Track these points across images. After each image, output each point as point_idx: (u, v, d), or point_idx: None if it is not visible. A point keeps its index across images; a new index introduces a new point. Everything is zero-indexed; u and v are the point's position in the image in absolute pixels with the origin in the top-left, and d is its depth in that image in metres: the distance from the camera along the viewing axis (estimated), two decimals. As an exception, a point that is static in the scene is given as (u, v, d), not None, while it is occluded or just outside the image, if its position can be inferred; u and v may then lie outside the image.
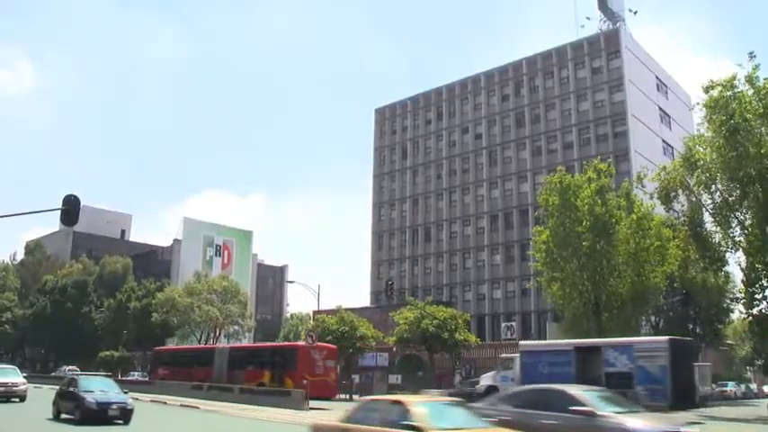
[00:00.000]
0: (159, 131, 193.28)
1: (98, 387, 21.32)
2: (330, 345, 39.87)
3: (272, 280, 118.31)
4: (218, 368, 40.68)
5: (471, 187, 77.60)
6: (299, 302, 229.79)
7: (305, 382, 31.94)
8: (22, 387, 28.67)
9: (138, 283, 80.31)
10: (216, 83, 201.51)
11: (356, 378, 48.19)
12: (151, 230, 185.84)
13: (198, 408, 29.38)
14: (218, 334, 66.26)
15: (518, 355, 31.54)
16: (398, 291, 74.25)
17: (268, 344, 50.92)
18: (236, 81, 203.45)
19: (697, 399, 29.39)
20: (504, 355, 35.74)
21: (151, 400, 33.65)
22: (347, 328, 48.02)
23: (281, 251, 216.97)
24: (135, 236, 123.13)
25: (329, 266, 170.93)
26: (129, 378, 51.42)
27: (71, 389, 21.41)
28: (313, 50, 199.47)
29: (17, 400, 28.30)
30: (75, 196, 21.76)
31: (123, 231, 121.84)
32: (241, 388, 35.41)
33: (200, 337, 65.73)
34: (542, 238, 40.70)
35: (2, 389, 27.99)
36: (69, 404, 21.04)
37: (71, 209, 21.72)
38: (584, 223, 38.83)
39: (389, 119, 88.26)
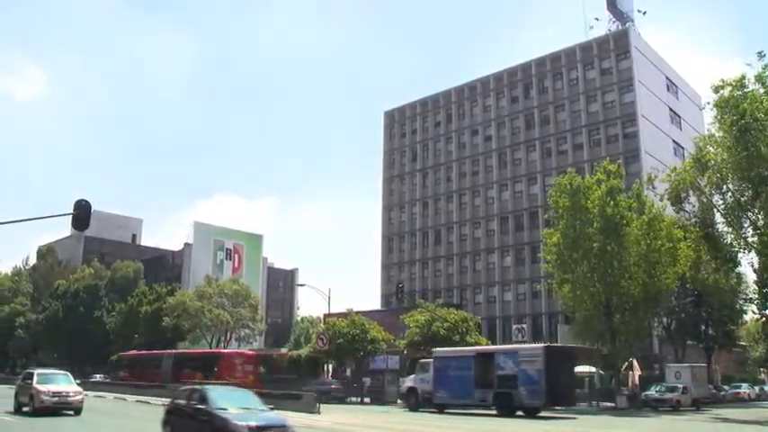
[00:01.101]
0: (169, 136, 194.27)
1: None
2: (249, 352, 50.48)
3: (282, 283, 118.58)
4: (165, 370, 49.23)
5: (481, 189, 77.51)
6: (309, 306, 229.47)
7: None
8: (78, 397, 24.28)
9: (149, 287, 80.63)
10: (225, 87, 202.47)
11: (367, 381, 48.09)
12: (162, 235, 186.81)
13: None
14: (228, 338, 66.44)
15: (432, 360, 35.65)
16: (409, 293, 74.09)
17: (200, 350, 56.38)
18: (245, 84, 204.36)
19: (575, 399, 33.15)
20: (421, 360, 38.31)
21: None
22: (358, 331, 47.92)
23: (291, 255, 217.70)
24: (146, 240, 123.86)
25: (340, 270, 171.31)
26: (92, 380, 55.24)
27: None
28: (321, 53, 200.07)
29: (71, 413, 24.02)
30: (87, 201, 21.79)
31: (134, 236, 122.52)
32: (257, 392, 35.26)
33: (211, 340, 65.89)
34: (553, 240, 40.62)
35: (54, 399, 23.63)
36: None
37: (82, 214, 21.74)
38: (594, 225, 38.75)
39: (399, 122, 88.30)
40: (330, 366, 53.32)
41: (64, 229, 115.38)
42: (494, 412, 31.27)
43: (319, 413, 28.66)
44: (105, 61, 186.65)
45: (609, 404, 38.42)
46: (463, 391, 32.63)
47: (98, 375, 62.50)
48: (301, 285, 65.58)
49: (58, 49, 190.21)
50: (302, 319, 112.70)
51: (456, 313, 47.43)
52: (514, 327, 64.04)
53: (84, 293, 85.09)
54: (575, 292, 39.84)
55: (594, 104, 70.69)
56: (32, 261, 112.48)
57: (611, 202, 39.01)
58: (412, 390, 36.20)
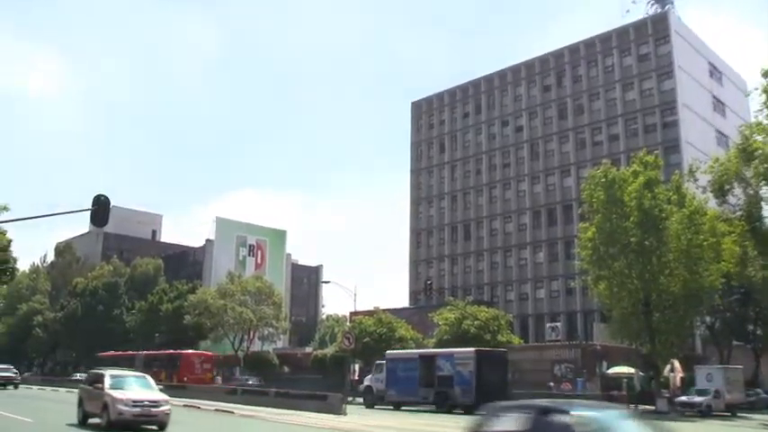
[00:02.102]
0: (190, 129, 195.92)
1: None
2: (207, 352, 57.96)
3: (306, 280, 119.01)
4: (137, 369, 51.21)
5: (512, 182, 77.17)
6: (335, 304, 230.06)
7: (185, 379, 46.27)
8: (164, 408, 19.38)
9: (169, 284, 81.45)
10: (246, 78, 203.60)
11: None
12: (183, 231, 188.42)
13: (233, 413, 29.74)
14: (252, 336, 66.92)
15: (384, 361, 40.64)
16: (438, 290, 74.19)
17: (165, 351, 60.44)
18: (267, 76, 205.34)
19: (508, 397, 34.27)
20: (378, 361, 42.41)
21: (184, 405, 34.14)
22: (385, 330, 48.14)
23: (315, 251, 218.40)
24: (166, 237, 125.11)
25: (366, 266, 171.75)
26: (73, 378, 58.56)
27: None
28: (346, 42, 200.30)
29: (155, 427, 19.44)
30: (105, 196, 22.01)
31: (154, 232, 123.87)
32: (276, 392, 36.14)
33: (234, 339, 66.40)
34: (588, 234, 40.25)
35: (135, 410, 18.88)
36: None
37: (101, 209, 21.98)
38: (631, 219, 38.27)
39: (426, 112, 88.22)
40: (356, 366, 53.51)
41: (82, 225, 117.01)
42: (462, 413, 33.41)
43: (345, 414, 28.74)
44: (123, 52, 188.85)
45: (649, 407, 37.84)
46: (410, 389, 37.71)
47: (77, 374, 65.15)
48: (326, 282, 65.83)
49: (74, 40, 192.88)
50: (327, 318, 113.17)
51: (487, 311, 47.38)
52: (548, 325, 63.76)
53: (104, 291, 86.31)
54: (611, 289, 39.45)
55: (631, 92, 69.91)
56: (50, 258, 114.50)
57: (649, 195, 38.48)
58: (368, 388, 41.50)
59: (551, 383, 42.91)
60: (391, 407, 37.92)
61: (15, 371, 56.53)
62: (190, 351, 57.26)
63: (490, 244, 77.46)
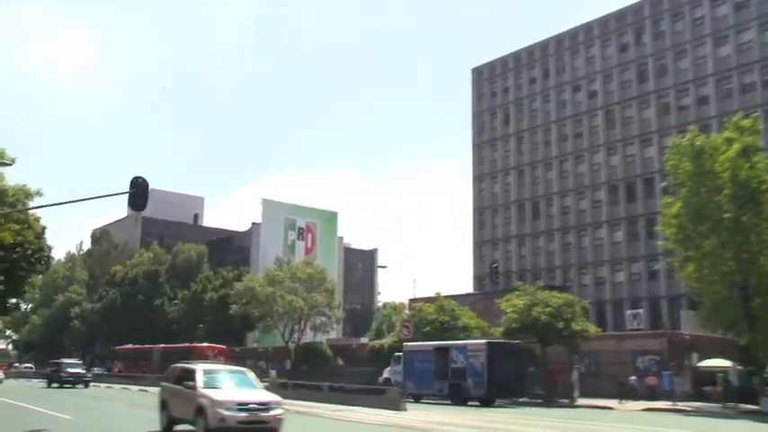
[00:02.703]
0: (233, 105, 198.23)
1: None
2: (220, 345, 60.19)
3: (361, 266, 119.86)
4: (154, 363, 61.67)
5: (586, 154, 76.09)
6: (392, 290, 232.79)
7: None
8: (277, 411, 16.66)
9: (213, 271, 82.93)
10: (291, 51, 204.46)
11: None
12: (227, 214, 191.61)
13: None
14: (303, 326, 67.66)
15: (402, 353, 43.82)
16: (504, 274, 73.88)
17: (180, 345, 64.42)
18: (313, 48, 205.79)
19: (522, 391, 39.45)
20: (396, 353, 45.93)
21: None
22: (447, 318, 48.01)
23: (370, 234, 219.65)
24: (209, 220, 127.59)
25: (425, 250, 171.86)
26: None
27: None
28: (398, 6, 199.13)
29: None
30: (143, 178, 22.22)
31: (196, 216, 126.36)
32: (330, 386, 36.60)
33: (284, 330, 67.24)
34: (673, 210, 39.34)
35: (242, 415, 16.06)
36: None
37: (139, 192, 22.20)
38: (724, 192, 37.20)
39: (488, 80, 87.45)
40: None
41: (120, 210, 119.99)
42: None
43: (405, 410, 28.85)
44: (158, 23, 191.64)
45: (750, 407, 36.43)
46: (425, 381, 40.41)
47: (95, 368, 70.01)
48: (382, 267, 66.62)
49: (106, 12, 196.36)
50: (384, 306, 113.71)
51: (559, 296, 46.70)
52: (628, 312, 62.78)
53: (144, 280, 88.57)
54: (701, 271, 38.53)
55: (725, 47, 67.82)
56: (87, 246, 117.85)
57: (746, 165, 37.32)
58: (387, 381, 45.28)
59: (633, 377, 42.35)
60: (411, 399, 38.58)
61: (85, 367, 55.99)
62: (204, 344, 59.84)
63: (562, 223, 76.58)
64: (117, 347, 71.97)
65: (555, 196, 77.76)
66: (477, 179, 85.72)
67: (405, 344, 45.00)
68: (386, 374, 47.37)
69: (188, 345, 62.17)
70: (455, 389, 38.48)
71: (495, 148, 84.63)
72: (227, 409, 16.02)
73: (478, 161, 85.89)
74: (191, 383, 17.57)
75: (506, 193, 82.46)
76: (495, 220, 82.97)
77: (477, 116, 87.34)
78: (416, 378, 41.07)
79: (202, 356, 53.72)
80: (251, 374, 19.09)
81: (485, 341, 40.60)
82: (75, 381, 48.83)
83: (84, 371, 52.23)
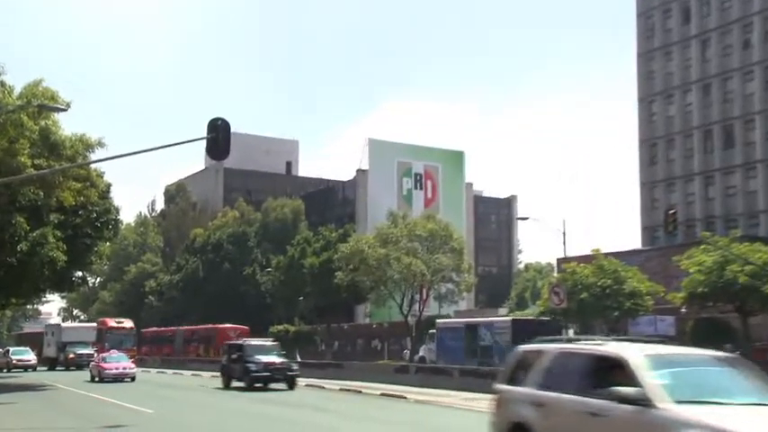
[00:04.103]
0: (326, 29, 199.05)
1: None
2: (243, 327, 69.07)
3: (495, 219, 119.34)
4: (177, 345, 76.71)
5: (800, 57, 73.04)
6: (535, 249, 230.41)
7: None
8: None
9: (313, 232, 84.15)
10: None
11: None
12: (325, 160, 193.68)
13: (405, 398, 30.40)
14: (426, 296, 68.06)
15: (435, 330, 53.55)
16: (685, 224, 71.80)
17: (203, 326, 75.86)
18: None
19: None
20: (431, 330, 55.45)
21: (340, 388, 35.31)
22: (609, 281, 47.15)
23: (503, 180, 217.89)
24: (304, 169, 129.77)
25: (576, 196, 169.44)
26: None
27: None
28: None
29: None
30: (224, 120, 22.61)
31: (289, 164, 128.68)
32: (461, 369, 36.88)
33: (402, 301, 67.81)
34: None
35: None
36: None
37: (219, 137, 22.57)
38: None
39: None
40: (570, 332, 53.23)
41: (197, 162, 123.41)
42: None
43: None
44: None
45: None
46: (457, 360, 46.38)
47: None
48: (523, 219, 65.42)
49: None
50: (526, 268, 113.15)
51: (763, 250, 45.19)
52: None
53: (230, 244, 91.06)
54: None
55: None
56: (160, 206, 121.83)
57: None
58: (422, 359, 53.63)
59: None
60: None
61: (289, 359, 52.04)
62: (227, 325, 70.38)
63: (765, 153, 73.75)
64: (143, 330, 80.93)
65: (756, 117, 74.80)
66: (645, 101, 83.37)
67: (438, 321, 54.79)
68: (421, 352, 56.12)
69: (211, 326, 73.86)
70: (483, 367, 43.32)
71: (670, 57, 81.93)
72: None
73: (646, 76, 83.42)
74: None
75: (686, 116, 79.94)
76: (671, 154, 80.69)
77: (644, 16, 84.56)
78: (449, 356, 48.57)
79: (224, 336, 64.55)
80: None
81: (509, 318, 51.01)
82: (281, 377, 44.70)
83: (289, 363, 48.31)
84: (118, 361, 45.17)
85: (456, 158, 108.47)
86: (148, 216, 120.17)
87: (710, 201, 77.09)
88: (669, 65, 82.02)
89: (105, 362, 44.87)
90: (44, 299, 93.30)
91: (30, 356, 65.13)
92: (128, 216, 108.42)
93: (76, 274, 52.99)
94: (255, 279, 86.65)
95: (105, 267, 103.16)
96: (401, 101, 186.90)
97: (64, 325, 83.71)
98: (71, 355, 62.74)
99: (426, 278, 65.71)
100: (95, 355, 53.65)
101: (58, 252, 40.60)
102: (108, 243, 56.04)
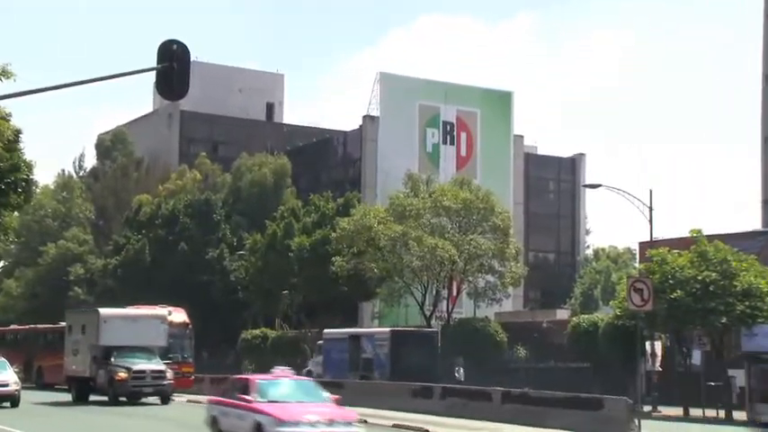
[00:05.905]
0: None
1: None
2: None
3: (554, 185, 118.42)
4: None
5: None
6: (609, 227, 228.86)
7: None
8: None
9: (302, 201, 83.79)
10: None
11: (734, 373, 47.26)
12: (319, 102, 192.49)
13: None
14: (456, 291, 67.82)
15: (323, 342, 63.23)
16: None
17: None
18: None
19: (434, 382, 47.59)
20: (319, 341, 64.44)
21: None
22: (715, 275, 46.75)
23: (567, 132, 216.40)
24: (292, 114, 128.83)
25: (666, 159, 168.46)
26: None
27: None
28: None
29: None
30: (181, 44, 21.86)
31: (270, 107, 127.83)
32: (505, 392, 36.65)
33: (424, 296, 67.48)
34: None
35: None
36: None
37: (175, 68, 21.73)
38: None
39: None
40: (657, 343, 53.00)
41: (143, 103, 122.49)
42: None
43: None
44: None
45: None
46: (342, 374, 55.03)
47: None
48: (593, 187, 64.48)
49: None
50: (596, 255, 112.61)
51: None
52: None
53: (188, 218, 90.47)
54: None
55: None
56: (91, 162, 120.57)
57: None
58: (309, 373, 56.92)
59: None
60: None
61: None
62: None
63: None
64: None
65: None
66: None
67: (325, 331, 64.10)
68: (309, 366, 64.69)
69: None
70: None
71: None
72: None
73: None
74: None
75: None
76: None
77: None
78: (335, 370, 57.09)
79: None
80: None
81: (388, 329, 61.09)
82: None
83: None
84: None
85: (501, 101, 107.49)
86: (74, 176, 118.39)
87: None
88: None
89: None
90: None
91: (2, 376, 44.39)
92: (45, 176, 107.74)
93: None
94: (223, 265, 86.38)
95: (12, 247, 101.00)
96: (426, 19, 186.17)
97: (104, 312, 54.52)
98: (121, 374, 46.29)
99: (458, 267, 65.48)
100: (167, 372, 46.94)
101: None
102: (15, 213, 55.13)
